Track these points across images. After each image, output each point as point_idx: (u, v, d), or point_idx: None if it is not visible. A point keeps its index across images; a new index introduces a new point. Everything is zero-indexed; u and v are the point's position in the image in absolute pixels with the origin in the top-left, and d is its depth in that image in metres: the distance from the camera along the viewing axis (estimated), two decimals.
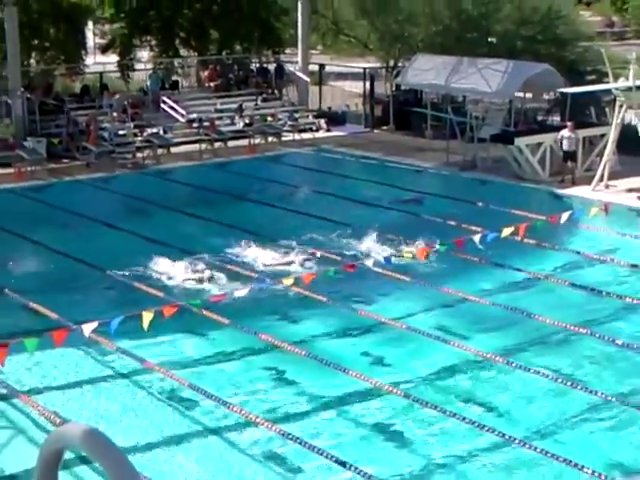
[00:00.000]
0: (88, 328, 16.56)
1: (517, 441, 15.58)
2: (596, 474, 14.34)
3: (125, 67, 47.15)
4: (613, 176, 31.87)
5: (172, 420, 16.75)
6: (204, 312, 19.49)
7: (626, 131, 31.74)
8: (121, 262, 24.29)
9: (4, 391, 17.60)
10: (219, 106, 42.75)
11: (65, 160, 36.43)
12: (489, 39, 47.90)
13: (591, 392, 17.37)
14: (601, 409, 17.02)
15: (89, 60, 49.46)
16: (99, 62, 49.70)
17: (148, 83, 42.15)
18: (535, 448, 15.34)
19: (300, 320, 21.23)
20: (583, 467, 14.54)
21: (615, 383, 17.86)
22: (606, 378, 18.15)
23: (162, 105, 41.14)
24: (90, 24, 49.75)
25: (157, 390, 17.88)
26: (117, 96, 41.01)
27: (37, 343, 16.21)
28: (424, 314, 21.47)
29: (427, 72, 39.64)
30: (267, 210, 30.28)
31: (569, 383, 17.73)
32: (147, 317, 16.81)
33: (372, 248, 25.29)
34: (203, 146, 38.79)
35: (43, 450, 2.74)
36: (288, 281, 18.94)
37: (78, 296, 22.52)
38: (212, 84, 45.67)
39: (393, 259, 22.22)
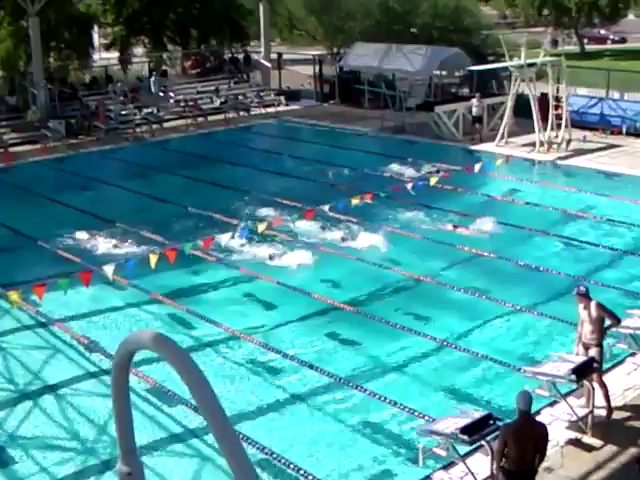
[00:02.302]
0: (109, 269, 16.41)
1: (445, 343, 15.76)
2: (506, 365, 14.56)
3: (124, 61, 46.65)
4: (511, 134, 31.92)
5: (174, 338, 16.70)
6: (196, 253, 19.37)
7: (520, 99, 31.77)
8: (128, 215, 24.11)
9: (43, 320, 17.51)
10: (200, 89, 42.17)
11: (80, 136, 35.87)
12: (411, 30, 47.74)
13: (499, 302, 17.54)
14: (507, 315, 17.18)
15: (96, 56, 48.87)
16: (104, 57, 49.10)
17: (152, 86, 40.81)
18: (457, 347, 15.52)
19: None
20: (496, 361, 14.74)
21: (517, 295, 17.93)
22: (510, 291, 18.23)
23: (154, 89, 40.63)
24: (96, 28, 48.93)
25: (160, 315, 17.83)
26: (119, 84, 40.56)
27: (68, 282, 16.08)
28: (372, 248, 21.34)
29: (364, 57, 39.61)
30: (243, 170, 30.07)
31: (483, 296, 17.86)
32: (153, 258, 16.71)
33: (328, 196, 25.17)
34: (189, 121, 38.36)
35: (119, 351, 2.68)
36: (262, 226, 18.76)
37: (94, 243, 22.32)
38: (193, 72, 45.30)
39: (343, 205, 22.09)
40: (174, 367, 2.38)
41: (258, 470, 12.11)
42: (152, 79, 40.70)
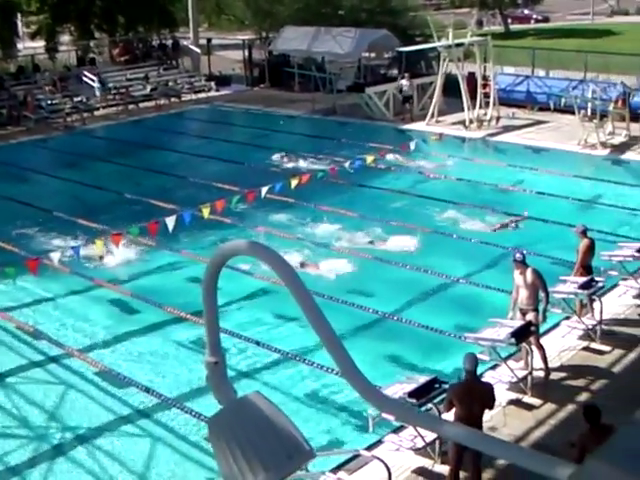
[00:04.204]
0: (55, 256, 16.51)
1: (387, 315, 16.21)
2: (448, 334, 15.10)
3: (51, 49, 46.15)
4: (441, 113, 32.57)
5: (117, 323, 16.91)
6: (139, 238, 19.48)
7: (448, 79, 32.41)
8: (64, 204, 24.12)
9: None
10: (129, 76, 42.03)
11: (9, 127, 35.60)
12: (339, 12, 48.05)
13: (436, 274, 18.06)
14: (445, 286, 17.73)
15: (20, 46, 48.28)
16: (29, 47, 48.49)
17: (96, 90, 39.56)
18: (399, 319, 15.99)
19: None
20: (438, 330, 15.26)
21: (454, 267, 18.53)
22: (447, 263, 18.80)
23: (84, 78, 40.26)
24: (19, 16, 48.27)
25: (106, 301, 17.97)
26: (47, 73, 40.26)
27: (15, 271, 16.14)
28: (307, 228, 21.77)
29: (293, 40, 39.84)
30: (177, 155, 30.23)
31: (422, 269, 18.35)
32: (99, 244, 16.90)
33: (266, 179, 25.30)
34: (120, 108, 38.42)
35: (213, 256, 3.00)
36: (206, 210, 18.93)
37: (32, 232, 22.28)
38: (122, 59, 45.04)
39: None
40: (272, 269, 2.74)
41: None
42: (97, 85, 39.88)
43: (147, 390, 13.94)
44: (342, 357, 2.67)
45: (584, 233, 15.62)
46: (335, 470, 11.04)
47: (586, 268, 15.51)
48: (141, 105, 39.00)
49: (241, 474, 2.78)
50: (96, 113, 37.67)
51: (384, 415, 11.48)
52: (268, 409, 2.89)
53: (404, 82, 33.97)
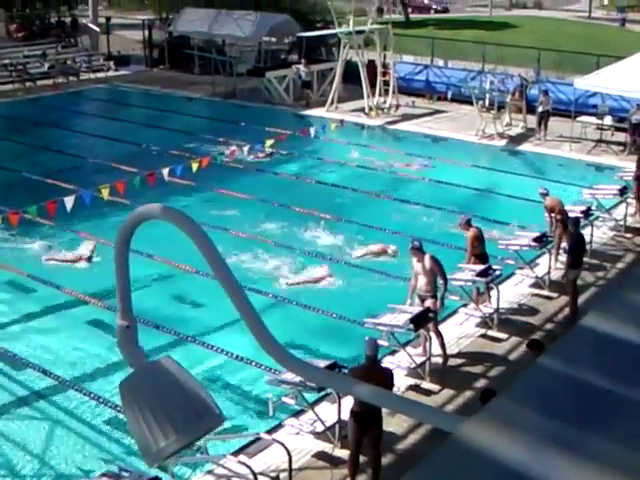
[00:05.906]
0: None
1: (286, 300, 16.20)
2: (347, 319, 15.19)
3: None
4: (341, 100, 32.66)
5: (12, 304, 16.52)
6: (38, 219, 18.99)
7: (348, 66, 32.54)
8: None
9: None
10: (26, 53, 40.96)
11: None
12: None
13: (337, 261, 18.14)
14: (345, 272, 17.79)
15: None
16: None
17: None
18: (299, 304, 16.01)
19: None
20: (337, 315, 15.32)
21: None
22: (349, 249, 18.94)
23: None
24: None
25: (1, 281, 17.51)
26: None
27: None
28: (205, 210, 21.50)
29: (193, 22, 39.47)
30: (75, 135, 29.62)
31: (320, 256, 18.39)
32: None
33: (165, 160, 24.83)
34: (16, 85, 37.34)
35: (126, 221, 2.93)
36: (106, 191, 18.58)
37: None
38: (19, 35, 43.89)
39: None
40: (185, 233, 2.68)
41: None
42: None
43: (44, 372, 13.65)
44: (258, 328, 2.69)
45: (468, 223, 15.85)
46: (236, 453, 11.00)
47: (479, 257, 15.71)
48: (39, 83, 37.87)
49: (152, 437, 2.79)
50: None
51: (284, 399, 11.55)
52: (179, 373, 2.92)
53: (302, 68, 34.04)
